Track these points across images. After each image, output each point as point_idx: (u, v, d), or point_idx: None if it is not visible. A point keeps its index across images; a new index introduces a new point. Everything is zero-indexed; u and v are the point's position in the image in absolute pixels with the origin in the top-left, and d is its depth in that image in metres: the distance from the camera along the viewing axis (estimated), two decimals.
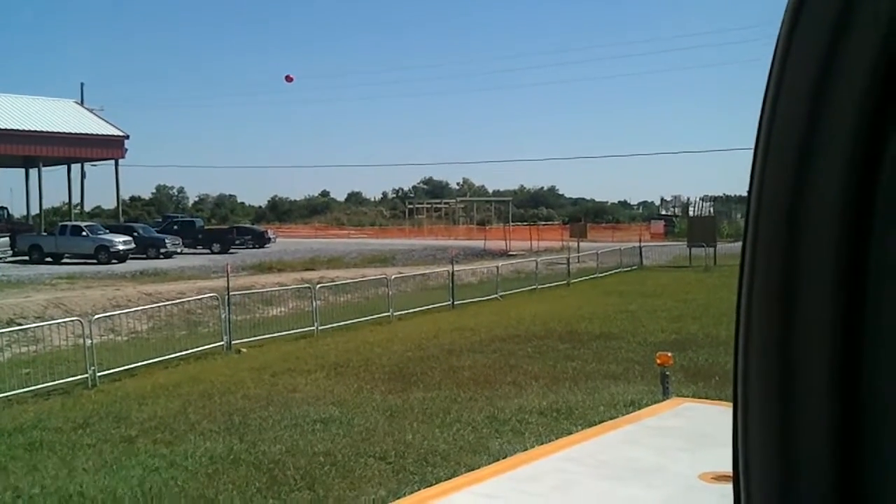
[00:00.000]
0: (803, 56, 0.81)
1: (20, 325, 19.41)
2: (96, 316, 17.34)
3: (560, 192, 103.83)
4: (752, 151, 0.85)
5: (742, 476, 0.87)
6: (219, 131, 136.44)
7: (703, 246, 37.46)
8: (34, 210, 54.55)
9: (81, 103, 55.51)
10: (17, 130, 46.71)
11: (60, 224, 43.26)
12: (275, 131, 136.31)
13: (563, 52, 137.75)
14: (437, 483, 5.63)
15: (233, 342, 18.37)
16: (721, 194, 77.72)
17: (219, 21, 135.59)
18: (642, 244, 41.84)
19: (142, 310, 20.59)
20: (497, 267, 30.12)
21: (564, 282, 31.17)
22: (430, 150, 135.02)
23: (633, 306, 23.10)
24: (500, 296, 26.94)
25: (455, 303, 24.98)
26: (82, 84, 57.00)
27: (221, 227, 58.06)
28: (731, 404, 0.86)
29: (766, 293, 0.84)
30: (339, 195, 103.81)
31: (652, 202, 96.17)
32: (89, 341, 15.22)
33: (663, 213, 75.58)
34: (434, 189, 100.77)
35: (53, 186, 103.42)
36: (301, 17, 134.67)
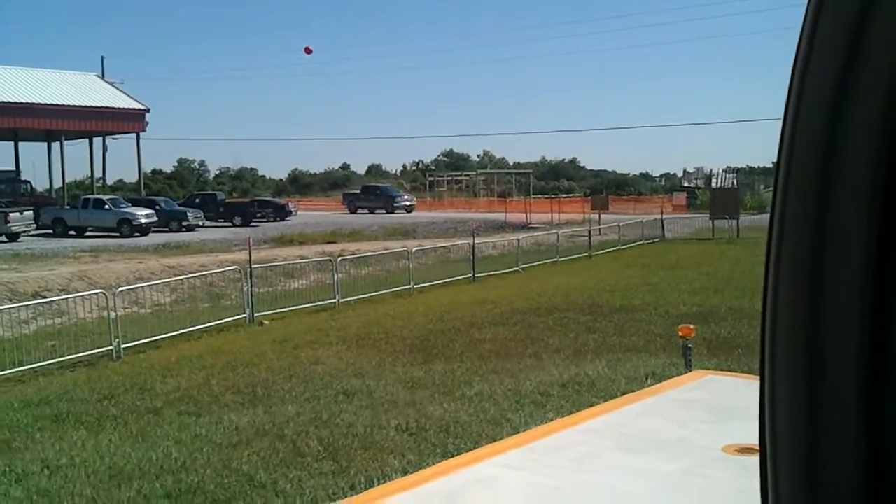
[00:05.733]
0: (833, 26, 0.80)
1: (45, 297, 19.63)
2: (120, 288, 17.50)
3: (581, 164, 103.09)
4: (781, 124, 0.84)
5: (769, 450, 0.86)
6: (239, 104, 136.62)
7: (725, 218, 37.18)
8: (57, 184, 54.90)
9: (102, 77, 55.64)
10: (39, 104, 46.88)
11: (83, 197, 43.61)
12: (295, 103, 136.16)
13: (584, 23, 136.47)
14: (459, 454, 5.66)
15: (255, 314, 18.49)
16: (744, 166, 77.20)
17: None
18: (664, 216, 41.61)
19: (165, 282, 20.77)
20: (518, 239, 30.06)
21: (586, 254, 31.10)
22: (451, 123, 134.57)
23: (655, 279, 23.03)
24: (522, 268, 26.93)
25: (476, 275, 25.00)
26: (103, 57, 57.08)
27: (242, 200, 58.31)
28: (754, 377, 0.86)
29: (794, 267, 0.84)
30: (360, 168, 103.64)
31: (674, 174, 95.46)
32: (113, 314, 15.37)
33: (685, 184, 75.10)
34: (455, 161, 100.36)
35: (75, 160, 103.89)
36: None
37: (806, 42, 0.83)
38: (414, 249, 25.37)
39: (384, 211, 57.11)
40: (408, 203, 60.03)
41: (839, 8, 0.80)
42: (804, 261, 0.82)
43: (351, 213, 58.22)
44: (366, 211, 58.06)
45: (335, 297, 20.41)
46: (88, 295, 17.86)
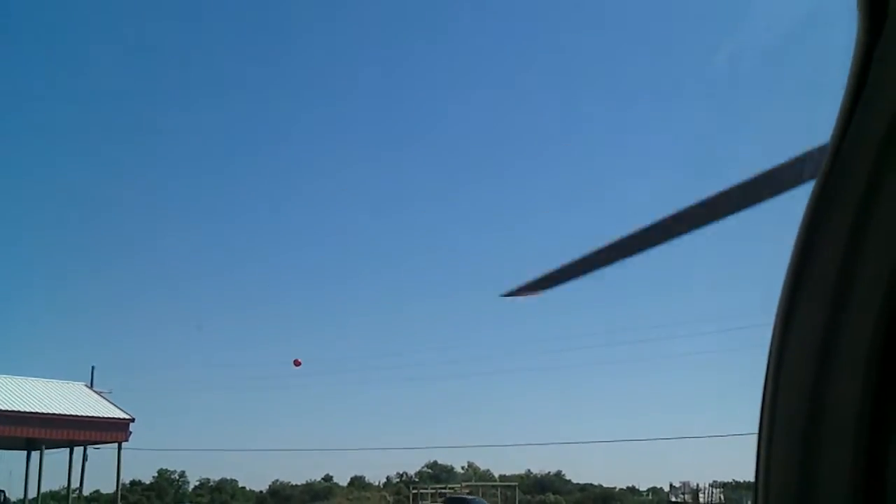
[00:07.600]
0: (802, 336, 0.84)
1: None
2: None
3: (567, 478, 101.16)
4: (756, 441, 0.88)
5: None
6: (223, 413, 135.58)
7: None
8: (32, 493, 53.62)
9: (91, 386, 56.25)
10: (23, 412, 47.03)
11: None
12: (278, 413, 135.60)
13: (570, 339, 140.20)
14: None
15: None
16: (730, 480, 76.16)
17: (228, 302, 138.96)
18: None
19: None
20: None
21: None
22: (435, 434, 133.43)
23: None
24: None
25: None
26: (93, 367, 58.02)
27: None
28: None
29: None
30: (342, 479, 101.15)
31: (661, 488, 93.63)
32: None
33: (673, 499, 73.59)
34: (439, 474, 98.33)
35: (54, 469, 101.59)
36: (305, 299, 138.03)
37: (775, 359, 0.85)
38: None
39: None
40: None
41: (807, 323, 0.81)
42: None
43: None
44: None
45: None
46: None
